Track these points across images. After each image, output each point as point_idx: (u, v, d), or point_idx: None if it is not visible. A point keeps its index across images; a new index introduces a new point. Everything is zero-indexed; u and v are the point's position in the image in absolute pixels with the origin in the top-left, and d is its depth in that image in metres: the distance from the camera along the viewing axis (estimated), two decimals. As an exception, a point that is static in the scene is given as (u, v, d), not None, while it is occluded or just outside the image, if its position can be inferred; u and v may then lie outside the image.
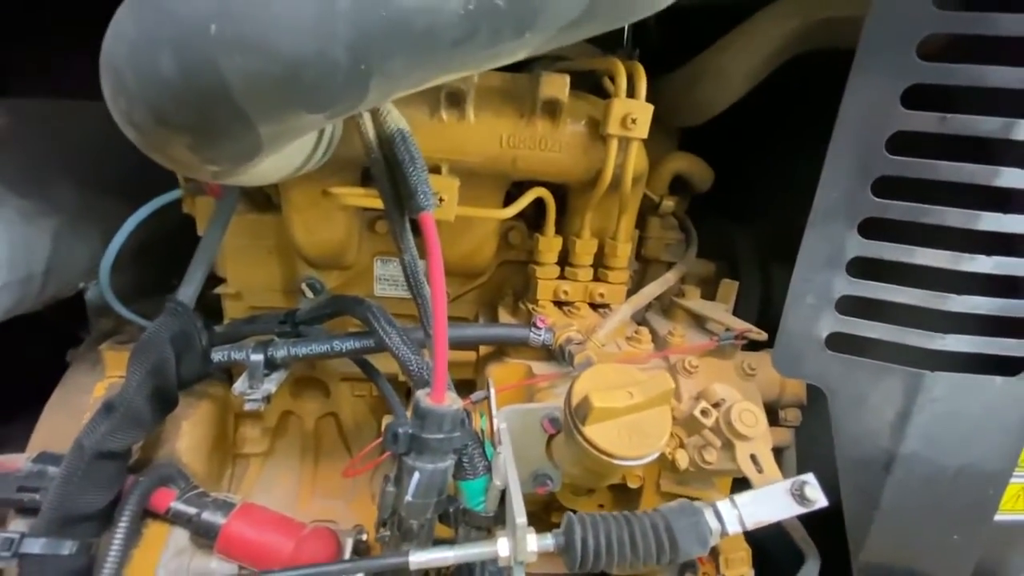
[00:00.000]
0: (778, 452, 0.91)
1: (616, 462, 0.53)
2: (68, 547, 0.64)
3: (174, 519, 0.76)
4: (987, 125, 0.55)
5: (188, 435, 0.85)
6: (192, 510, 0.75)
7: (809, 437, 0.91)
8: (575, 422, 0.54)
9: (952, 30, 0.55)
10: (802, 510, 0.57)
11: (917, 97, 0.57)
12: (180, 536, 0.77)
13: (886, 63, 0.57)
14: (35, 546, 0.63)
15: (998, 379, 0.63)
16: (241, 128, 0.37)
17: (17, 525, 0.68)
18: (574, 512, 0.53)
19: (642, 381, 0.55)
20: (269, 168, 0.49)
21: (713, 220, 1.16)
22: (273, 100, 0.35)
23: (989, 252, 0.59)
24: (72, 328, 1.01)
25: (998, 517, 0.70)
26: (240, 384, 0.72)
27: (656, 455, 0.54)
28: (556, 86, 0.67)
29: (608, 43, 0.94)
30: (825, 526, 0.76)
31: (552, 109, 0.70)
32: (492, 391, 0.64)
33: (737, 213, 1.20)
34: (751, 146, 1.19)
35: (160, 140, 0.38)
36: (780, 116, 1.08)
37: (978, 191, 0.57)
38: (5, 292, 0.75)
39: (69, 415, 0.84)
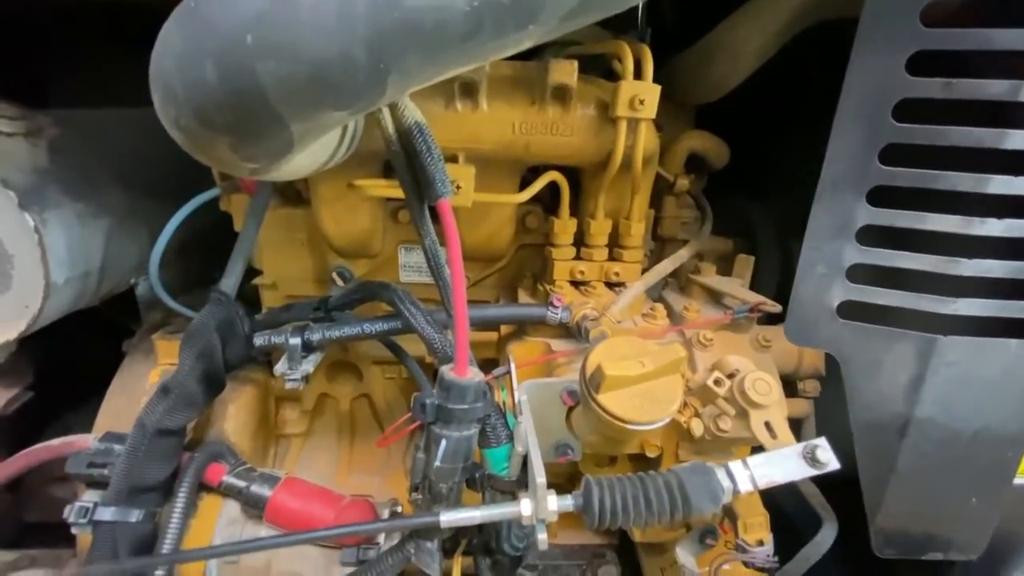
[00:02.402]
0: (798, 422, 0.92)
1: (629, 427, 0.56)
2: (135, 515, 0.71)
3: (226, 492, 0.83)
4: (994, 88, 0.56)
5: (234, 417, 0.92)
6: (242, 483, 0.81)
7: (829, 407, 0.93)
8: (590, 391, 0.57)
9: (956, -5, 0.55)
10: (814, 472, 0.59)
11: (922, 64, 0.57)
12: (232, 507, 0.84)
13: (890, 31, 0.57)
14: (106, 514, 0.70)
15: (1013, 342, 0.64)
16: (275, 127, 0.41)
17: (89, 497, 0.75)
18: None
19: (653, 351, 0.58)
20: (300, 164, 0.53)
21: (732, 198, 1.17)
22: (303, 100, 0.39)
23: (1000, 215, 0.59)
24: (125, 322, 1.09)
25: (1017, 481, 0.71)
26: (281, 365, 0.77)
27: (667, 420, 0.57)
28: (565, 72, 0.70)
29: (621, 25, 0.95)
30: (845, 493, 0.78)
31: (562, 94, 0.73)
32: (512, 366, 0.68)
33: (757, 190, 1.20)
34: (770, 122, 1.18)
35: (205, 142, 0.43)
36: (799, 91, 1.07)
37: (987, 155, 0.58)
38: (67, 288, 0.82)
39: (128, 400, 0.91)
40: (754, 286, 0.94)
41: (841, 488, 0.78)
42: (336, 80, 0.37)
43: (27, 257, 0.75)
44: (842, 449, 0.70)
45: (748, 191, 1.20)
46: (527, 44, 0.44)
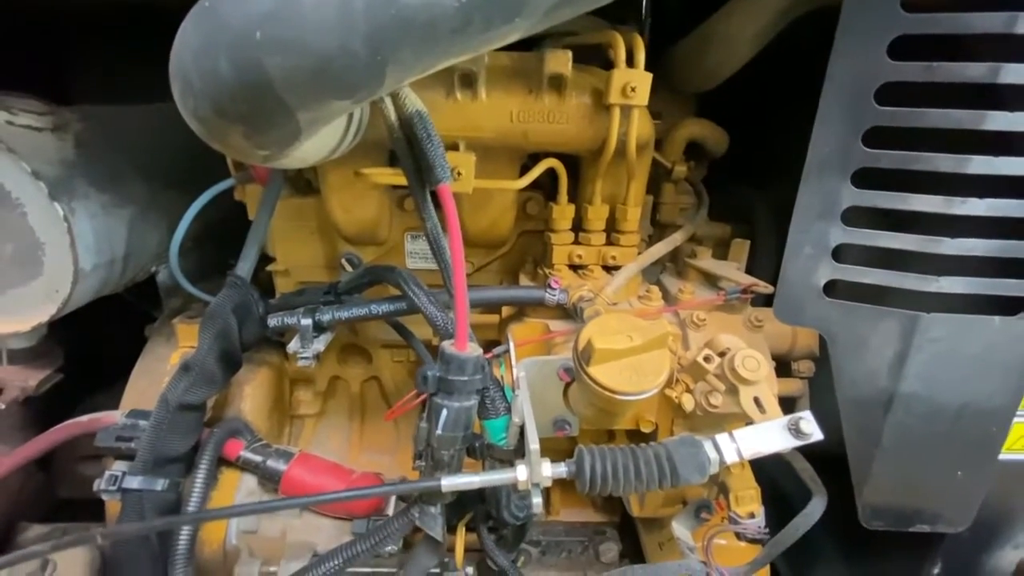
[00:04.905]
0: (792, 402, 0.94)
1: (618, 397, 0.59)
2: (161, 484, 0.76)
3: (243, 466, 0.88)
4: (973, 71, 0.57)
5: (251, 397, 0.97)
6: (258, 458, 0.86)
7: (825, 386, 0.95)
8: (581, 364, 0.61)
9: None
10: (798, 443, 0.62)
11: (904, 48, 0.59)
12: (250, 481, 0.90)
13: (872, 16, 0.59)
14: (134, 482, 0.75)
15: (997, 319, 0.66)
16: (283, 116, 0.45)
17: (118, 467, 0.80)
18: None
19: (642, 327, 0.61)
20: (309, 151, 0.57)
21: (732, 184, 1.19)
22: (308, 90, 0.43)
23: (981, 195, 0.61)
24: (147, 308, 1.15)
25: (1004, 456, 0.73)
26: (293, 344, 0.82)
27: (654, 391, 0.60)
28: (560, 62, 0.72)
29: (621, 15, 0.97)
30: (842, 468, 0.80)
31: (557, 83, 0.75)
32: (512, 343, 0.71)
33: (758, 177, 1.22)
34: (772, 110, 1.20)
35: (220, 130, 0.47)
36: (800, 79, 1.08)
37: (968, 136, 0.59)
38: (94, 275, 0.87)
39: (151, 381, 0.97)
40: (753, 270, 0.96)
41: (837, 463, 0.80)
42: (337, 72, 0.41)
43: (57, 244, 0.80)
44: (836, 426, 0.72)
45: (749, 178, 1.21)
46: (515, 36, 0.47)
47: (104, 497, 0.77)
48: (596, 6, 0.48)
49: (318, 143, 0.57)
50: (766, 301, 0.86)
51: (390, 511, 0.87)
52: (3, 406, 0.94)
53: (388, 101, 0.61)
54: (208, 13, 0.41)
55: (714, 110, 1.11)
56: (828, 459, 0.76)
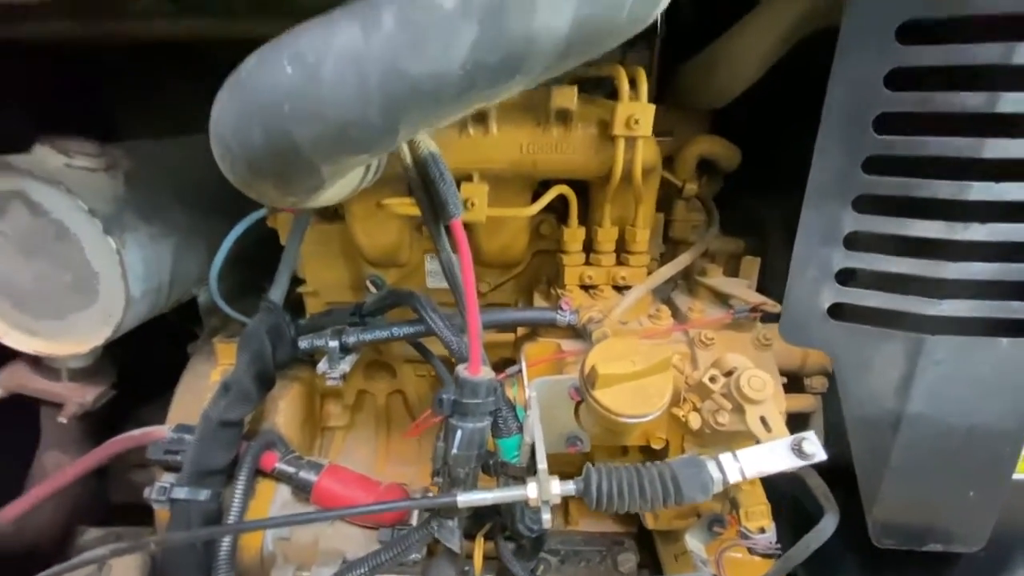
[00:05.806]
0: (805, 418, 0.95)
1: (622, 420, 0.62)
2: (204, 495, 0.83)
3: (278, 477, 0.94)
4: (971, 101, 0.58)
5: (284, 411, 1.03)
6: (291, 469, 0.92)
7: (839, 402, 0.95)
8: (587, 388, 0.64)
9: (929, 14, 0.58)
10: (801, 463, 0.64)
11: (900, 79, 0.60)
12: (284, 491, 0.96)
13: (868, 48, 0.60)
14: (181, 493, 0.82)
15: (1005, 340, 0.66)
16: (309, 172, 0.50)
17: (166, 479, 0.88)
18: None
19: (644, 351, 0.64)
20: (331, 195, 0.62)
21: (746, 198, 1.19)
22: (330, 151, 0.48)
23: (983, 220, 0.61)
24: (190, 327, 1.23)
25: (1018, 477, 0.73)
26: (322, 365, 0.88)
27: (657, 414, 0.63)
28: (566, 97, 0.76)
29: (630, 40, 1.00)
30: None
31: (564, 116, 0.79)
32: (524, 364, 0.75)
33: (771, 191, 1.22)
34: (785, 125, 1.20)
35: (254, 184, 0.52)
36: (814, 94, 1.09)
37: (967, 163, 0.60)
38: (143, 300, 0.95)
39: (194, 396, 1.04)
40: (766, 284, 0.97)
41: (854, 478, 0.81)
42: (356, 136, 0.46)
43: (110, 274, 0.87)
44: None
45: (762, 192, 1.22)
46: (519, 89, 0.51)
47: (154, 506, 0.84)
48: (592, 57, 0.51)
49: (340, 188, 0.62)
50: (777, 318, 0.87)
51: (414, 521, 0.92)
52: (65, 420, 1.03)
53: (404, 146, 0.66)
54: (242, 86, 0.47)
55: (728, 125, 1.13)
56: (845, 474, 0.77)
